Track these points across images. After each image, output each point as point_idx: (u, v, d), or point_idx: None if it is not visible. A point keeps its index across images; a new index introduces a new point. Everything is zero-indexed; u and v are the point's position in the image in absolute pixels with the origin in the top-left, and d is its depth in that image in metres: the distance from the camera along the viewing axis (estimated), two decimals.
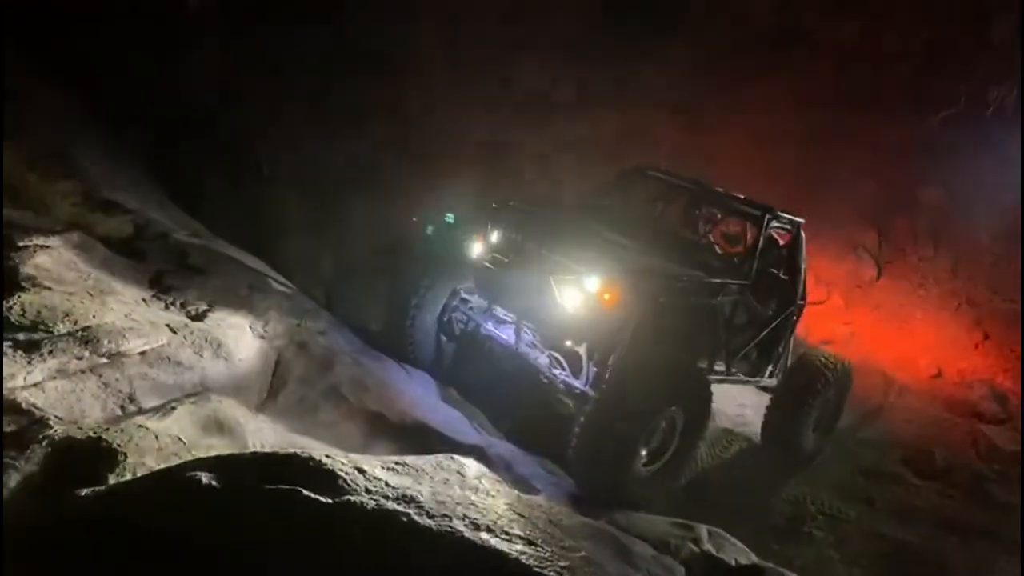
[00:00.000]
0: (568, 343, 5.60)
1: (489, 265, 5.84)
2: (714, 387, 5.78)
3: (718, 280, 6.09)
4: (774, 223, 6.50)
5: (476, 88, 10.91)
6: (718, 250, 7.05)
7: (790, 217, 6.69)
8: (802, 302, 6.93)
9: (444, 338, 6.52)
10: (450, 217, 6.25)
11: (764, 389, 7.12)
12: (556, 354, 5.74)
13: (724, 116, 11.19)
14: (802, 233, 6.80)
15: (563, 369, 5.69)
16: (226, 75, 10.05)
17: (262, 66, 10.11)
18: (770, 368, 6.95)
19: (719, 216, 7.17)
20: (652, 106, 11.25)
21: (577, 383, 5.59)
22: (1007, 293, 10.26)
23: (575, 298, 5.26)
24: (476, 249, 5.95)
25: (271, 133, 9.79)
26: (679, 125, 11.22)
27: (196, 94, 9.64)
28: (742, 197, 6.83)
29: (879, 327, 10.18)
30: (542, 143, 10.93)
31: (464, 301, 6.40)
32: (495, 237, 5.86)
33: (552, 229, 5.93)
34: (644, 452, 5.31)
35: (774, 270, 6.67)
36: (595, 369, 5.53)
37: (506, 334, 6.02)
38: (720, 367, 6.33)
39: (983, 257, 10.63)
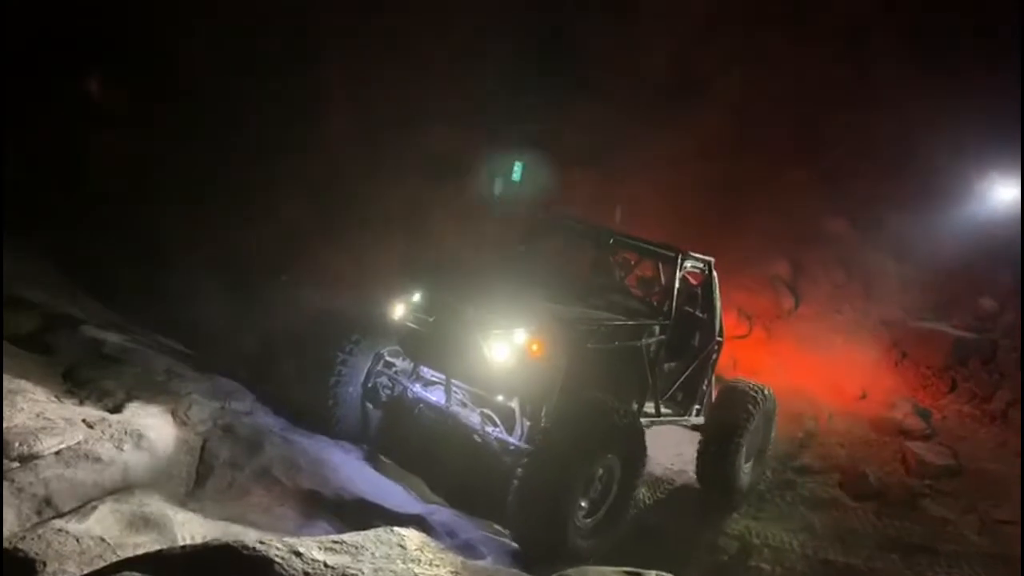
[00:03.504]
0: (500, 398, 5.54)
1: (413, 325, 5.76)
2: (648, 432, 5.78)
3: (640, 322, 6.16)
4: (687, 263, 6.59)
5: (386, 154, 10.97)
6: (635, 293, 7.11)
7: (702, 256, 6.81)
8: (720, 339, 6.97)
9: (370, 405, 6.32)
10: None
11: (694, 428, 7.07)
12: (488, 411, 5.66)
13: (632, 168, 11.54)
14: (714, 271, 6.91)
15: (496, 426, 5.61)
16: (133, 164, 9.89)
17: (171, 154, 9.98)
18: (696, 406, 6.95)
19: (632, 262, 7.26)
20: (564, 163, 11.51)
21: (511, 439, 5.50)
22: (918, 312, 10.73)
23: (503, 351, 5.23)
24: (398, 311, 5.87)
25: (183, 218, 9.60)
26: (591, 179, 11.50)
27: (105, 184, 9.44)
28: (653, 241, 6.91)
29: (803, 354, 10.45)
30: (459, 203, 11.03)
31: (388, 365, 6.26)
32: (417, 297, 5.82)
33: (474, 285, 5.93)
34: (583, 504, 5.19)
35: (691, 309, 6.80)
36: (528, 423, 5.47)
37: (435, 395, 5.92)
38: (650, 409, 6.32)
39: (891, 280, 11.10)
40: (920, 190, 11.16)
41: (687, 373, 6.69)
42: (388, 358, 6.27)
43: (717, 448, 6.83)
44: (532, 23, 12.26)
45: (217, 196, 9.92)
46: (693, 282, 7.00)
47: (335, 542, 3.35)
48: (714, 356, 7.00)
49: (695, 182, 11.31)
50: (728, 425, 6.80)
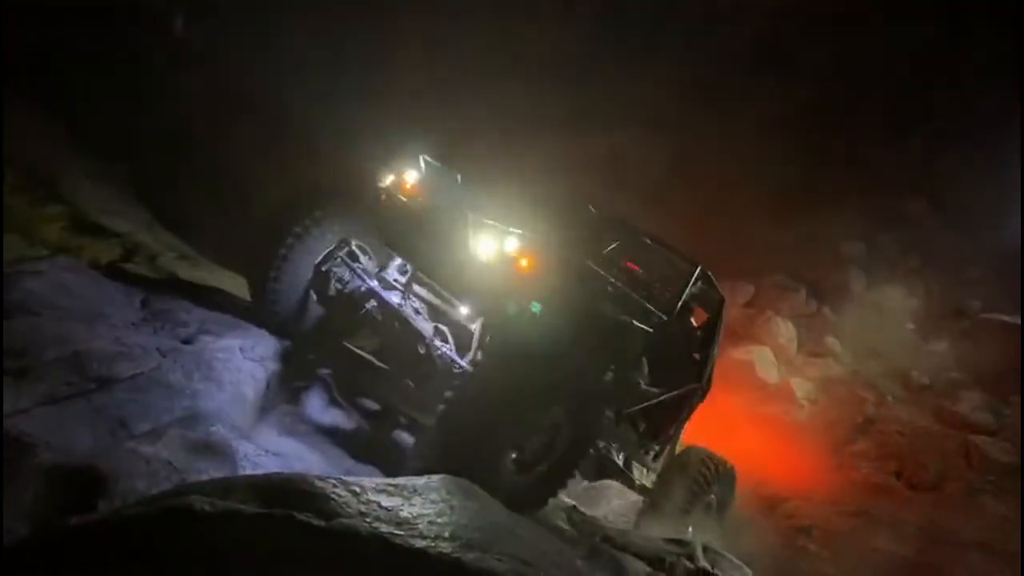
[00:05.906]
0: (464, 312, 5.03)
1: (403, 199, 5.16)
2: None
3: (640, 301, 5.47)
4: (700, 283, 5.93)
5: (461, 111, 10.94)
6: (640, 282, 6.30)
7: (718, 286, 6.17)
8: (706, 386, 6.16)
9: (313, 296, 5.66)
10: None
11: (641, 491, 6.22)
12: (443, 327, 5.16)
13: (710, 138, 11.31)
14: (724, 312, 6.27)
15: (448, 343, 5.08)
16: (214, 102, 10.08)
17: (251, 91, 10.14)
18: (655, 449, 6.11)
19: (649, 276, 6.44)
20: (639, 127, 11.34)
21: (460, 360, 4.91)
22: (994, 303, 10.37)
23: (489, 249, 4.61)
24: (390, 182, 5.28)
25: (261, 155, 9.78)
26: (666, 147, 11.31)
27: (186, 120, 9.66)
28: (675, 247, 6.28)
29: (869, 338, 10.23)
30: (532, 165, 10.94)
31: (353, 256, 5.59)
32: (415, 177, 5.21)
33: (488, 189, 5.29)
34: (513, 456, 4.41)
35: (686, 341, 6.11)
36: (483, 354, 4.86)
37: (393, 298, 5.32)
38: (611, 412, 5.36)
39: (969, 268, 10.74)
40: (1008, 176, 10.70)
41: (658, 399, 5.69)
42: (356, 248, 5.63)
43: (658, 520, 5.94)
44: None
45: (294, 134, 10.06)
46: (695, 323, 6.36)
47: (390, 484, 3.43)
48: (693, 401, 6.16)
49: (775, 153, 11.05)
50: (676, 499, 5.94)
